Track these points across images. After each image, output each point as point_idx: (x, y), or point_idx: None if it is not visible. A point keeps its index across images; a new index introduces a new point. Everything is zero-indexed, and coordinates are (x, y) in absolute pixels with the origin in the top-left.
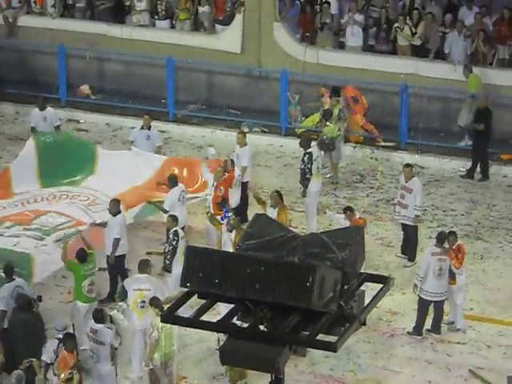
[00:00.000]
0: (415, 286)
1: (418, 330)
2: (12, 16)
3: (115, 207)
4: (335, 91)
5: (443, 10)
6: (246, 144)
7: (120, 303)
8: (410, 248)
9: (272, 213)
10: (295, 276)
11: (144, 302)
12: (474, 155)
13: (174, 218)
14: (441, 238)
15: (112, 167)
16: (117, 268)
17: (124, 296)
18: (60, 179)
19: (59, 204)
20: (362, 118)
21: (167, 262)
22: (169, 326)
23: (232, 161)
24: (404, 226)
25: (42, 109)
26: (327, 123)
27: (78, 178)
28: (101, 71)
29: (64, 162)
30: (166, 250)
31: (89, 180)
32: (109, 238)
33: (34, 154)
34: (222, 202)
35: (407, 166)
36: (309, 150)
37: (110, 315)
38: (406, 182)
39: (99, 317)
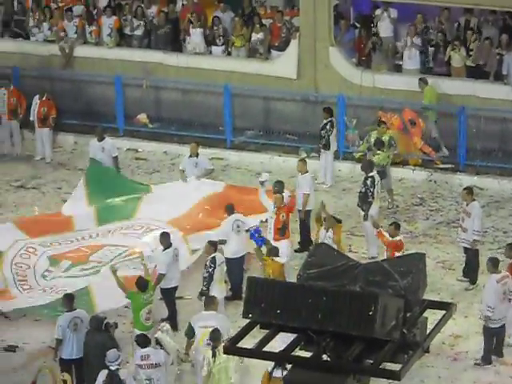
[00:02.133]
0: (487, 317)
1: (487, 359)
2: (68, 47)
3: (165, 241)
4: (328, 110)
5: (499, 31)
6: (306, 171)
7: (162, 324)
8: (471, 271)
9: (324, 234)
10: (357, 305)
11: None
12: None
13: (212, 244)
14: (494, 264)
15: (165, 194)
16: (167, 300)
17: (191, 334)
18: (114, 215)
19: (114, 236)
20: (420, 141)
21: (204, 288)
22: (224, 359)
23: (280, 183)
24: (465, 249)
25: (101, 139)
26: (378, 152)
27: (131, 207)
28: (157, 100)
29: (117, 193)
30: (204, 276)
31: (141, 209)
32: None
33: (85, 193)
34: (282, 228)
35: (466, 189)
36: (371, 174)
37: (156, 337)
38: (467, 205)
39: (144, 341)
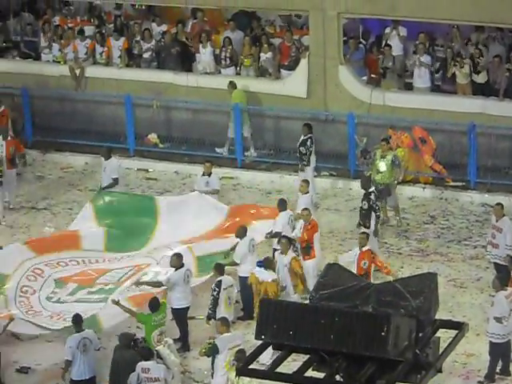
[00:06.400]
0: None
1: (491, 377)
2: (78, 67)
3: (177, 261)
4: (308, 126)
5: (507, 48)
6: (307, 192)
7: (166, 338)
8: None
9: (282, 259)
10: (370, 325)
11: None
12: None
13: (217, 268)
14: (502, 281)
15: (174, 222)
16: (179, 320)
17: (215, 353)
18: (124, 245)
19: (121, 262)
20: (431, 159)
21: (210, 311)
22: (246, 380)
23: (283, 201)
24: (496, 265)
25: (107, 158)
26: (379, 169)
27: (141, 240)
28: (168, 120)
29: (125, 224)
30: (210, 299)
31: (151, 243)
32: (171, 292)
33: (93, 218)
34: (306, 247)
35: (498, 204)
36: (372, 189)
37: (157, 350)
38: (497, 221)
39: (147, 354)
